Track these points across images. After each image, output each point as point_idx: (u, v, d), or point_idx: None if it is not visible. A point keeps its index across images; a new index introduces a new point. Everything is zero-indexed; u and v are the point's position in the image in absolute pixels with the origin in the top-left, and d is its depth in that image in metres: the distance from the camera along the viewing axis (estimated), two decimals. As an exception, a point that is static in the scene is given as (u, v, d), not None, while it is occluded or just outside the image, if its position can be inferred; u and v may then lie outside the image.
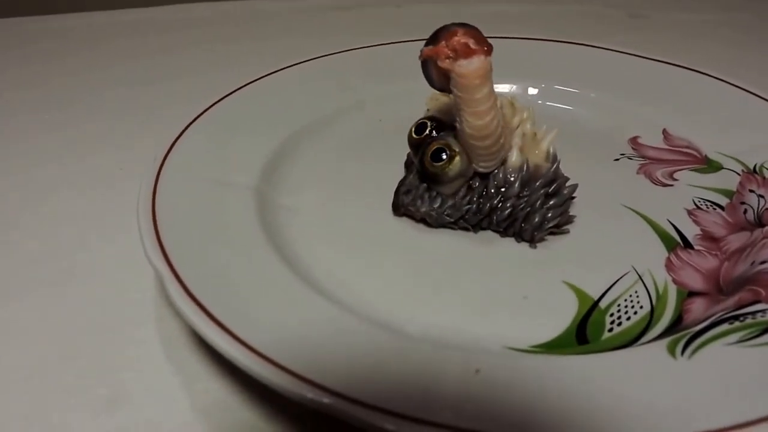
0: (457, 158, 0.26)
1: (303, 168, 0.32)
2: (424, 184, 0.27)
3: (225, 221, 0.26)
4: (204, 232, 0.25)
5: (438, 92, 0.26)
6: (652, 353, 0.20)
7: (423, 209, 0.27)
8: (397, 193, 0.28)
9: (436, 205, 0.27)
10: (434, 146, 0.26)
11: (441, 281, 0.25)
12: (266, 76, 0.36)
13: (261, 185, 0.29)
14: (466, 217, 0.27)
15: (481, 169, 0.26)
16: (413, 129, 0.28)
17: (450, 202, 0.27)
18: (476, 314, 0.24)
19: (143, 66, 0.47)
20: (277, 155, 0.31)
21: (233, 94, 0.34)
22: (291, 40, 0.50)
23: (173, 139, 0.29)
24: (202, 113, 0.32)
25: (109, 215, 0.31)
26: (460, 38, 0.23)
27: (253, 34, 0.52)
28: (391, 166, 0.31)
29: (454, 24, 0.23)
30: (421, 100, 0.30)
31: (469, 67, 0.23)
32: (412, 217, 0.28)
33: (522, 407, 0.18)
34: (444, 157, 0.26)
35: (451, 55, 0.23)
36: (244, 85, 0.34)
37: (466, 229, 0.28)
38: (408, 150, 0.29)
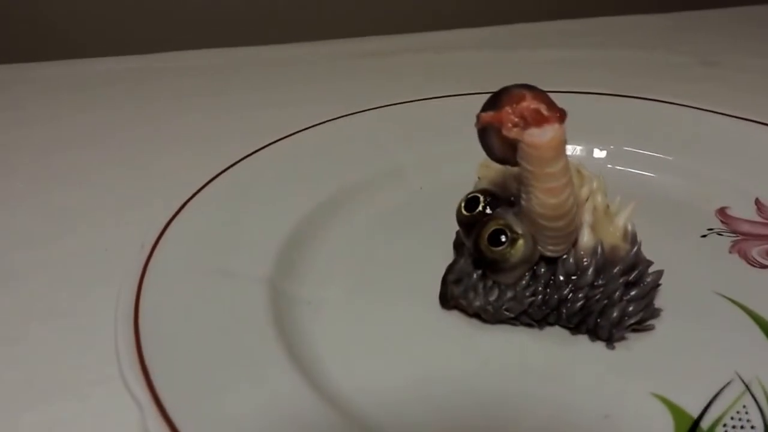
0: (521, 241, 0.23)
1: (327, 252, 0.29)
2: (479, 271, 0.25)
3: (229, 325, 0.23)
4: (202, 343, 0.22)
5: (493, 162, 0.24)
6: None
7: (477, 303, 0.24)
8: (444, 282, 0.25)
9: (492, 298, 0.24)
10: (492, 227, 0.24)
11: (500, 396, 0.22)
12: (283, 138, 0.34)
13: (275, 276, 0.26)
14: (530, 311, 0.24)
15: (548, 254, 0.24)
16: (463, 204, 0.25)
17: (510, 294, 0.24)
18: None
19: (135, 125, 0.44)
20: (296, 236, 0.29)
21: (242, 161, 0.32)
22: (312, 94, 0.48)
23: (166, 221, 0.27)
24: (203, 186, 0.30)
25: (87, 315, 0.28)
26: (529, 104, 0.20)
27: (269, 86, 0.50)
28: (435, 247, 0.28)
29: (516, 86, 0.21)
30: (470, 164, 0.28)
31: (542, 137, 0.21)
32: (463, 310, 0.25)
33: None
34: (504, 240, 0.23)
35: (518, 123, 0.21)
36: (256, 151, 0.32)
37: (529, 325, 0.25)
38: (456, 227, 0.26)
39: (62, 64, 0.54)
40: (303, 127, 0.35)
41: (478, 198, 0.25)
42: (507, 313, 0.24)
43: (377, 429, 0.21)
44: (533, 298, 0.24)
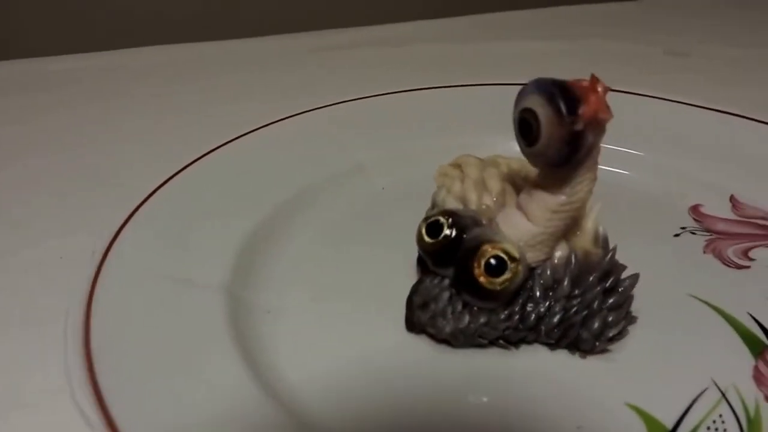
0: (520, 267, 0.22)
1: (287, 257, 0.29)
2: (447, 294, 0.23)
3: (184, 335, 0.23)
4: (155, 352, 0.22)
5: (453, 168, 0.24)
6: None
7: (447, 330, 0.23)
8: (410, 306, 0.24)
9: (462, 325, 0.23)
10: (490, 254, 0.22)
11: (468, 411, 0.22)
12: (238, 138, 0.33)
13: (232, 283, 0.26)
14: (506, 333, 0.23)
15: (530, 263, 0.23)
16: (424, 230, 0.24)
17: (483, 319, 0.23)
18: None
19: (88, 126, 0.43)
20: (254, 241, 0.29)
21: (197, 162, 0.31)
22: (268, 91, 0.47)
23: (119, 226, 0.26)
24: (156, 189, 0.29)
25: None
26: (602, 86, 0.20)
27: (224, 83, 0.49)
28: (399, 251, 0.27)
29: (549, 79, 0.21)
30: (432, 162, 0.28)
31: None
32: (432, 336, 0.24)
33: None
34: (505, 268, 0.22)
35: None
36: (210, 152, 0.32)
37: (504, 347, 0.24)
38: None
39: (10, 64, 0.53)
40: (259, 126, 0.34)
41: (440, 222, 0.23)
42: (481, 340, 0.24)
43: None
44: (509, 322, 0.23)
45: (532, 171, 0.24)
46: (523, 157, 0.23)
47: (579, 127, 0.20)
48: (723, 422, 0.21)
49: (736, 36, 0.56)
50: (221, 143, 0.33)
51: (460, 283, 0.23)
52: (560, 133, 0.20)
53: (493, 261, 0.22)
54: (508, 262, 0.22)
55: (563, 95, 0.20)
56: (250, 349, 0.23)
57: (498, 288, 0.22)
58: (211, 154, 0.32)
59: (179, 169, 0.30)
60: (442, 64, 0.50)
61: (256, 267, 0.28)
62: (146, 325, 0.23)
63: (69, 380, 0.20)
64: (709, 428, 0.21)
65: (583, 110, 0.20)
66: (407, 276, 0.25)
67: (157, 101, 0.46)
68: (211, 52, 0.55)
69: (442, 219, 0.23)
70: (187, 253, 0.27)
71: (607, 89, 0.20)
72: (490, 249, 0.22)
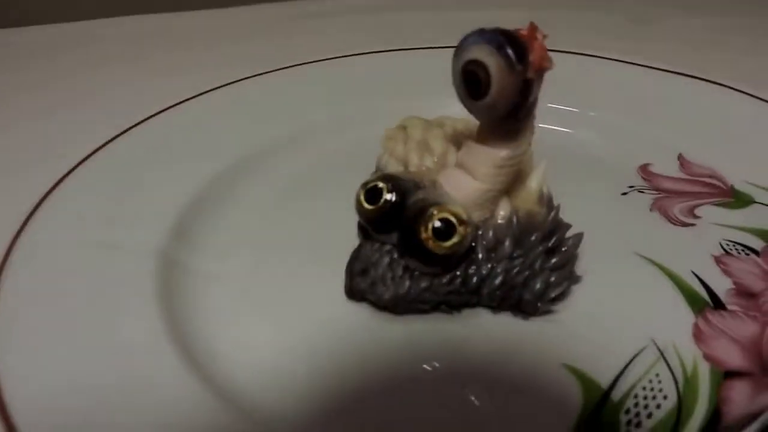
0: (468, 229, 0.22)
1: (228, 223, 0.29)
2: (386, 259, 0.23)
3: (110, 300, 0.23)
4: (75, 317, 0.22)
5: (398, 130, 0.23)
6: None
7: (387, 296, 0.23)
8: (350, 273, 0.24)
9: (403, 291, 0.23)
10: (437, 217, 0.21)
11: (403, 377, 0.22)
12: (180, 103, 0.33)
13: (169, 246, 0.26)
14: (448, 298, 0.23)
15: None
16: (362, 196, 0.23)
17: (424, 284, 0.23)
18: (448, 423, 0.20)
19: (20, 93, 0.42)
20: (194, 207, 0.28)
21: (137, 127, 0.31)
22: (212, 58, 0.46)
23: (48, 188, 0.26)
24: (90, 155, 0.29)
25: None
26: (540, 34, 0.20)
27: (167, 51, 0.48)
28: (344, 216, 0.26)
29: (494, 29, 0.20)
30: (375, 127, 0.27)
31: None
32: (373, 303, 0.24)
33: None
34: (454, 231, 0.21)
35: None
36: (151, 116, 0.32)
37: (446, 312, 0.24)
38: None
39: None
40: (202, 91, 0.34)
41: (379, 187, 0.23)
42: (423, 305, 0.23)
43: (268, 415, 0.20)
44: (450, 286, 0.23)
45: (469, 145, 0.23)
46: (469, 118, 0.22)
47: (530, 75, 0.20)
48: (660, 381, 0.21)
49: (700, 5, 0.56)
50: (162, 109, 0.32)
51: (407, 249, 0.22)
52: (512, 83, 0.20)
53: (441, 224, 0.21)
54: (457, 225, 0.21)
55: (511, 43, 0.20)
56: (181, 316, 0.23)
57: (447, 252, 0.22)
58: (153, 118, 0.32)
59: (120, 132, 0.30)
60: (395, 29, 0.49)
61: (193, 233, 0.27)
62: (64, 290, 0.23)
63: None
64: (644, 388, 0.21)
65: (532, 57, 0.20)
66: (350, 242, 0.25)
67: (93, 73, 0.45)
68: (163, 24, 0.54)
69: (381, 184, 0.23)
70: (119, 219, 0.26)
71: (545, 36, 0.20)
72: (437, 212, 0.21)
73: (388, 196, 0.22)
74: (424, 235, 0.21)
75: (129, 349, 0.21)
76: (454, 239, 0.21)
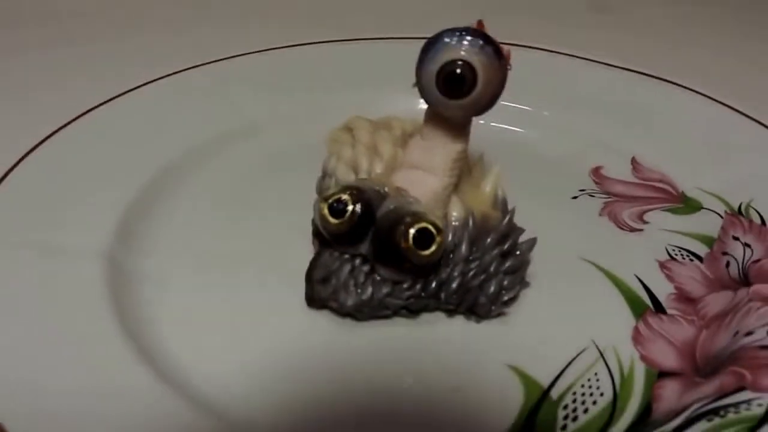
0: (443, 237, 0.23)
1: (173, 224, 0.29)
2: (347, 266, 0.24)
3: (55, 304, 0.24)
4: (22, 325, 0.23)
5: (343, 132, 0.24)
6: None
7: (350, 303, 0.24)
8: (309, 281, 0.25)
9: (366, 297, 0.24)
10: (417, 227, 0.22)
11: (350, 378, 0.23)
12: (122, 95, 0.33)
13: (113, 249, 0.26)
14: (409, 302, 0.24)
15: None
16: (327, 210, 0.23)
17: (386, 290, 0.24)
18: (390, 419, 0.22)
19: None
20: (137, 205, 0.29)
21: (77, 120, 0.31)
22: (158, 45, 0.45)
23: None
24: (27, 153, 0.29)
25: None
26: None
27: (109, 37, 0.47)
28: (295, 216, 0.27)
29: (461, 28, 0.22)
30: (325, 122, 0.28)
31: None
32: (334, 310, 0.25)
33: None
34: (432, 240, 0.23)
35: None
36: (88, 111, 0.32)
37: (405, 316, 0.25)
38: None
39: None
40: (145, 81, 0.34)
41: (343, 198, 0.23)
42: (385, 311, 0.24)
43: (221, 412, 0.21)
44: (411, 291, 0.24)
45: (417, 142, 0.25)
46: (415, 118, 0.24)
47: (509, 68, 0.22)
48: (598, 380, 0.23)
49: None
50: (100, 102, 0.33)
51: (383, 258, 0.23)
52: (496, 78, 0.22)
53: (420, 234, 0.22)
54: (435, 234, 0.23)
55: (488, 41, 0.21)
56: (130, 318, 0.24)
57: (427, 260, 0.23)
58: (89, 114, 0.32)
59: (58, 127, 0.30)
60: (340, 17, 0.50)
61: (139, 234, 0.28)
62: (8, 293, 0.23)
63: None
64: (583, 386, 0.23)
65: (505, 52, 0.22)
66: (303, 245, 0.26)
67: (44, 55, 0.45)
68: (91, 6, 0.53)
69: (344, 196, 0.23)
70: (60, 220, 0.27)
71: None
72: (415, 222, 0.22)
73: (354, 208, 0.23)
74: (404, 245, 0.22)
75: (78, 350, 0.22)
76: (433, 248, 0.22)
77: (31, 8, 0.51)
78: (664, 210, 0.31)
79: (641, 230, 0.30)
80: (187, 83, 0.35)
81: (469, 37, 0.21)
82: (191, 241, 0.29)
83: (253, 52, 0.37)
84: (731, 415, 0.20)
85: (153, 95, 0.34)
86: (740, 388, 0.21)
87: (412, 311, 0.25)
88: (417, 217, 0.23)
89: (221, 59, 0.37)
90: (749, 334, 0.24)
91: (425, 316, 0.25)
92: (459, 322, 0.25)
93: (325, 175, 0.27)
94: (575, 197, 0.32)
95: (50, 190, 0.28)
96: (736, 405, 0.21)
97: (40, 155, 0.29)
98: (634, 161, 0.34)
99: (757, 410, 0.20)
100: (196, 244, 0.28)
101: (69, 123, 0.31)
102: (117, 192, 0.29)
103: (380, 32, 0.39)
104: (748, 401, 0.21)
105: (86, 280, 0.25)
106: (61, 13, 0.51)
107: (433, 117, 0.24)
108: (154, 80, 0.35)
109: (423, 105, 0.23)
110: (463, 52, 0.21)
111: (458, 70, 0.21)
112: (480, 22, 0.22)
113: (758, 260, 0.27)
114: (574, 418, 0.22)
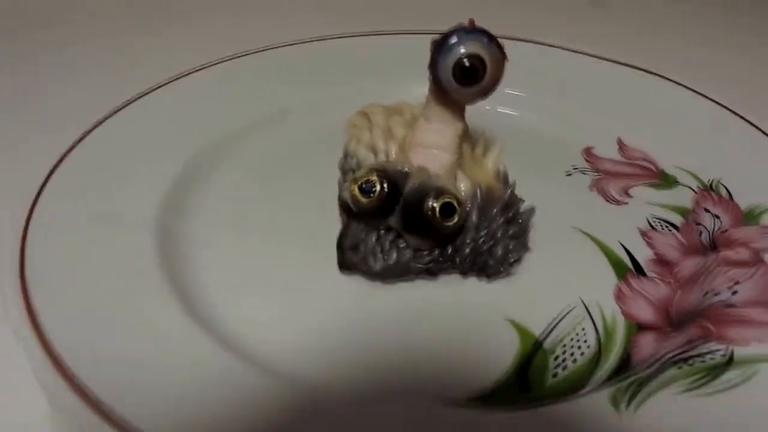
0: (463, 208, 0.27)
1: (217, 195, 0.33)
2: (374, 235, 0.28)
3: (117, 268, 0.27)
4: (90, 287, 0.26)
5: (360, 117, 0.28)
6: (595, 408, 0.22)
7: (377, 267, 0.28)
8: (340, 248, 0.28)
9: (392, 261, 0.28)
10: (442, 201, 0.26)
11: (373, 329, 0.27)
12: (169, 83, 0.37)
13: (164, 216, 0.30)
14: (429, 266, 0.28)
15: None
16: (357, 191, 0.27)
17: (408, 254, 0.28)
18: (410, 365, 0.25)
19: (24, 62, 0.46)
20: (185, 179, 0.33)
21: (131, 104, 0.35)
22: (201, 36, 0.50)
23: (52, 165, 0.30)
24: (90, 130, 0.33)
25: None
26: None
27: (157, 28, 0.52)
28: (325, 191, 0.31)
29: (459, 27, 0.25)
30: (352, 107, 0.32)
31: None
32: (363, 273, 0.29)
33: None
34: (454, 211, 0.26)
35: None
36: (139, 97, 0.35)
37: (425, 278, 0.29)
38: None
39: None
40: (189, 71, 0.38)
41: (372, 179, 0.26)
42: (408, 273, 0.28)
43: (266, 365, 0.25)
44: (431, 256, 0.28)
45: (424, 124, 0.28)
46: (423, 103, 0.27)
47: (507, 60, 0.25)
48: (585, 333, 0.27)
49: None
50: (152, 88, 0.36)
51: (413, 229, 0.27)
52: (500, 68, 0.25)
53: (444, 207, 0.26)
54: (456, 206, 0.26)
55: (492, 38, 0.25)
56: (184, 286, 0.27)
57: (450, 229, 0.26)
58: (141, 99, 0.35)
59: (114, 111, 0.34)
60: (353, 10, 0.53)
61: (186, 204, 0.32)
62: (80, 259, 0.27)
63: (6, 311, 0.24)
64: (572, 339, 0.27)
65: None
66: (330, 217, 0.30)
67: (98, 44, 0.48)
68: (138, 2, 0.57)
69: (372, 177, 0.26)
70: (120, 191, 0.31)
71: None
72: (440, 196, 0.26)
73: (382, 187, 0.26)
74: (430, 216, 0.26)
75: (133, 306, 0.26)
76: (456, 218, 0.26)
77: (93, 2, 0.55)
78: (645, 185, 0.35)
79: (626, 203, 0.34)
80: (228, 72, 0.39)
81: (477, 35, 0.25)
82: (231, 212, 0.32)
83: (283, 45, 0.41)
84: (697, 363, 0.24)
85: (199, 82, 0.38)
86: (705, 340, 0.25)
87: (431, 273, 0.29)
88: (441, 192, 0.26)
89: (259, 50, 0.40)
90: (716, 294, 0.27)
91: (442, 278, 0.29)
92: (471, 282, 0.29)
93: (346, 155, 0.31)
94: (569, 174, 0.35)
95: (111, 165, 0.32)
96: (702, 355, 0.24)
97: (104, 132, 0.33)
98: (620, 142, 0.37)
99: (719, 359, 0.24)
100: (236, 215, 0.32)
101: (125, 105, 0.35)
102: (167, 167, 0.32)
103: (391, 27, 0.42)
104: (712, 351, 0.24)
105: (140, 245, 0.28)
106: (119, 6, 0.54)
107: (439, 102, 0.27)
108: (200, 68, 0.38)
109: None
110: (473, 48, 0.25)
111: (472, 63, 0.25)
112: (471, 21, 0.26)
113: (725, 230, 0.31)
114: (564, 367, 0.26)
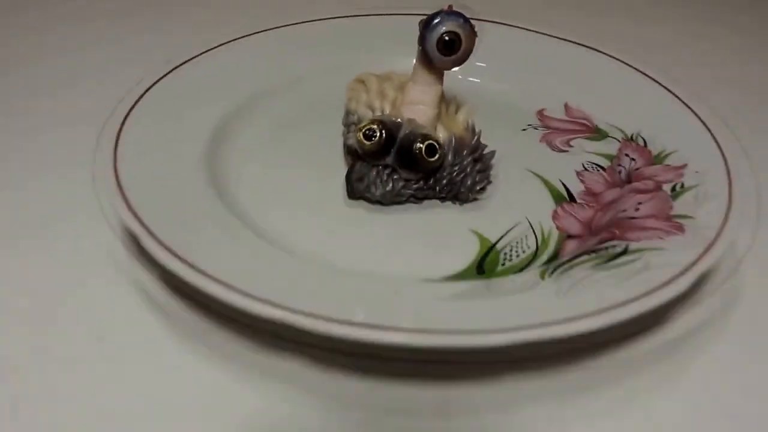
0: (443, 149, 0.37)
1: (247, 138, 0.43)
2: (375, 170, 0.37)
3: (180, 169, 0.37)
4: (173, 189, 0.36)
5: (358, 83, 0.38)
6: (528, 279, 0.32)
7: (378, 193, 0.38)
8: (349, 180, 0.38)
9: (389, 188, 0.37)
10: (428, 143, 0.36)
11: (375, 236, 0.37)
12: (209, 50, 0.46)
13: (209, 152, 0.40)
14: (416, 193, 0.38)
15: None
16: (362, 136, 0.36)
17: (401, 184, 0.37)
18: (401, 257, 0.35)
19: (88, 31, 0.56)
20: (223, 125, 0.42)
21: (184, 65, 0.45)
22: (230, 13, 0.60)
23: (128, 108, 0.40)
24: (152, 85, 0.42)
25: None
26: None
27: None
28: (331, 140, 0.42)
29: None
30: (350, 75, 0.41)
31: None
32: (367, 199, 0.38)
33: (427, 317, 0.29)
34: (436, 150, 0.36)
35: None
36: (184, 62, 0.45)
37: (414, 202, 0.39)
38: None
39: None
40: (228, 39, 0.47)
41: (373, 128, 0.36)
42: (400, 197, 0.38)
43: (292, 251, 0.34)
44: (417, 185, 0.38)
45: (412, 86, 0.38)
46: (406, 72, 0.37)
47: (477, 36, 0.35)
48: (527, 239, 0.37)
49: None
50: (194, 55, 0.45)
51: (405, 164, 0.36)
52: (472, 43, 0.35)
53: (429, 147, 0.36)
54: (438, 148, 0.36)
55: (467, 19, 0.35)
56: (229, 198, 0.38)
57: (434, 164, 0.37)
58: (199, 56, 0.45)
59: (171, 69, 0.44)
60: None
61: (224, 145, 0.41)
62: (161, 164, 0.37)
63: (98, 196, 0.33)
64: (518, 243, 0.36)
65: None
66: (338, 159, 0.40)
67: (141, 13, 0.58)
68: None
69: (373, 126, 0.36)
70: (175, 133, 0.40)
71: None
72: (425, 140, 0.36)
73: (381, 134, 0.36)
74: (418, 155, 0.36)
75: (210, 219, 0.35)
76: (437, 157, 0.36)
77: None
78: (583, 138, 0.44)
79: (567, 151, 0.43)
80: (254, 45, 0.48)
81: (455, 17, 0.35)
82: (260, 151, 0.42)
83: (299, 23, 0.50)
84: (602, 252, 0.34)
85: (231, 51, 0.47)
86: (612, 240, 0.35)
87: (417, 198, 0.38)
88: (426, 137, 0.36)
89: (279, 26, 0.49)
90: (624, 211, 0.37)
91: (426, 202, 0.39)
92: (447, 204, 0.39)
93: (348, 113, 0.40)
94: (524, 129, 0.45)
95: (173, 113, 0.41)
96: (607, 248, 0.34)
97: (166, 84, 0.43)
98: (566, 106, 0.47)
99: (618, 250, 0.34)
100: (264, 154, 0.42)
101: (181, 65, 0.44)
102: (209, 114, 0.42)
103: (384, 8, 0.52)
104: (614, 246, 0.34)
105: (192, 171, 0.38)
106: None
107: (424, 69, 0.37)
108: (233, 40, 0.48)
109: (411, 63, 0.37)
110: (452, 26, 0.35)
111: (451, 37, 0.35)
112: (450, 6, 0.35)
113: (638, 168, 0.40)
114: (510, 260, 0.35)
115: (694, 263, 0.31)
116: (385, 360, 0.30)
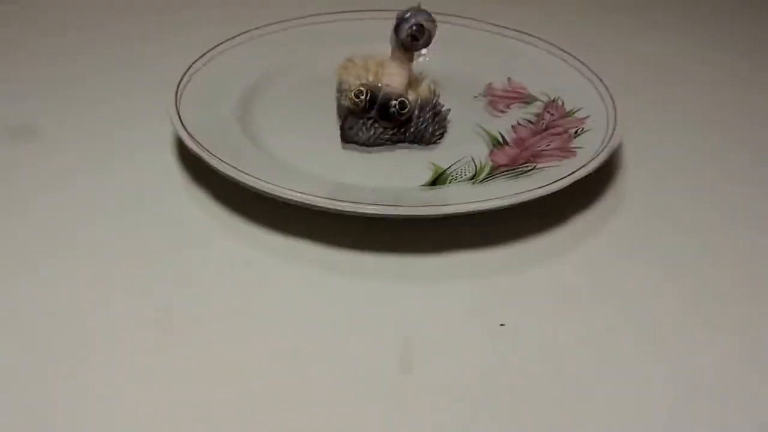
0: (411, 107, 0.52)
1: (267, 102, 0.58)
2: (362, 120, 0.52)
3: (221, 111, 0.53)
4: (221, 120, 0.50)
5: (347, 62, 0.53)
6: (463, 185, 0.47)
7: (363, 137, 0.52)
8: (342, 129, 0.53)
9: (372, 133, 0.52)
10: (400, 100, 0.51)
11: (362, 166, 0.52)
12: (252, 30, 0.62)
13: (235, 112, 0.55)
14: (392, 137, 0.53)
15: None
16: (353, 96, 0.51)
17: (381, 130, 0.52)
18: (381, 177, 0.50)
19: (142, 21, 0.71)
20: (247, 94, 0.58)
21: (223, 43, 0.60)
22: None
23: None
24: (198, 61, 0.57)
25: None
26: None
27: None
28: (329, 101, 0.56)
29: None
30: (341, 57, 0.57)
31: None
32: (355, 142, 0.53)
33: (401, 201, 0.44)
34: (407, 105, 0.51)
35: None
36: (215, 46, 0.60)
37: (390, 144, 0.53)
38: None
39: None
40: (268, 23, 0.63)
41: (361, 90, 0.51)
42: (380, 140, 0.53)
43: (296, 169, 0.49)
44: (392, 131, 0.52)
45: (389, 62, 0.53)
46: (384, 56, 0.52)
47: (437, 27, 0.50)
48: (468, 168, 0.51)
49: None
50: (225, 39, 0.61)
51: (383, 117, 0.51)
52: (434, 32, 0.51)
53: (401, 104, 0.51)
54: (408, 104, 0.51)
55: (430, 15, 0.50)
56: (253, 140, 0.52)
57: (405, 117, 0.51)
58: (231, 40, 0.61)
59: (211, 47, 0.59)
60: None
61: (249, 110, 0.56)
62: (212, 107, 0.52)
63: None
64: (461, 170, 0.51)
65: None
66: (332, 116, 0.55)
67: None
68: None
69: (362, 89, 0.52)
70: (219, 97, 0.55)
71: None
72: (398, 98, 0.51)
73: (366, 96, 0.51)
74: (393, 110, 0.51)
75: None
76: (407, 111, 0.51)
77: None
78: (519, 103, 0.59)
79: (506, 112, 0.58)
80: (275, 34, 0.63)
81: (423, 13, 0.50)
82: (277, 109, 0.57)
83: (307, 16, 0.65)
84: (516, 170, 0.48)
85: (264, 36, 0.63)
86: (529, 163, 0.49)
87: (393, 142, 0.53)
88: (399, 96, 0.51)
89: (291, 19, 0.65)
90: (539, 147, 0.52)
91: (399, 145, 0.54)
92: (414, 147, 0.54)
93: (340, 83, 0.55)
94: (475, 97, 0.60)
95: (219, 82, 0.56)
96: (521, 167, 0.49)
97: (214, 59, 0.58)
98: (510, 80, 0.61)
99: (528, 168, 0.48)
100: (280, 111, 0.57)
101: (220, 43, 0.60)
102: (237, 84, 0.58)
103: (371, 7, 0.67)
104: (525, 166, 0.49)
105: (229, 123, 0.53)
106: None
107: (399, 53, 0.52)
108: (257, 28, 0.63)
109: (389, 49, 0.52)
110: (420, 20, 0.50)
111: (419, 28, 0.50)
112: (419, 4, 0.50)
113: (554, 120, 0.55)
114: (455, 179, 0.50)
115: (577, 170, 0.46)
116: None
